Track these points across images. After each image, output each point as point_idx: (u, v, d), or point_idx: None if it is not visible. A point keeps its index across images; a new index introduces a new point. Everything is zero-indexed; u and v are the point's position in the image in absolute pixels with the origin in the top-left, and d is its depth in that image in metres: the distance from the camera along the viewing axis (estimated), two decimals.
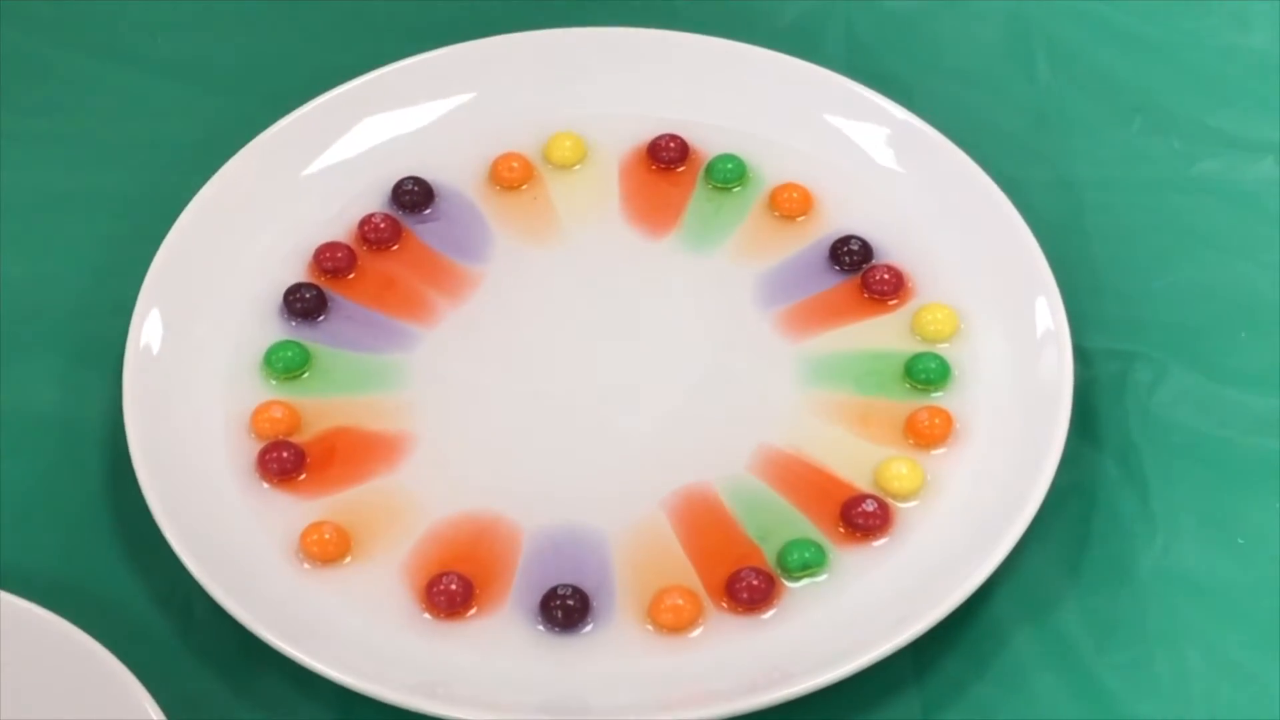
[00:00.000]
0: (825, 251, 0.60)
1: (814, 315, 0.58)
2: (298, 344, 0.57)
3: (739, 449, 0.55)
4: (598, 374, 0.57)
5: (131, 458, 0.52)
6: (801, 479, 0.54)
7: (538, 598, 0.51)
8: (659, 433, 0.56)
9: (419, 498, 0.54)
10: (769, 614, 0.51)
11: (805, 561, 0.52)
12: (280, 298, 0.58)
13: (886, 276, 0.58)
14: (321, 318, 0.58)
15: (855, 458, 0.54)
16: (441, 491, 0.54)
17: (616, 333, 0.58)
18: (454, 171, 0.62)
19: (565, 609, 0.51)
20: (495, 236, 0.61)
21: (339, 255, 0.59)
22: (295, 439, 0.55)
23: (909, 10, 0.69)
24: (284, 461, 0.54)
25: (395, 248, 0.60)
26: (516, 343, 0.58)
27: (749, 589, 0.51)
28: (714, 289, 0.59)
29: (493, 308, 0.59)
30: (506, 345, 0.58)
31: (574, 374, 0.57)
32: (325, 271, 0.59)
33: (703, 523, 0.53)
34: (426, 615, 0.51)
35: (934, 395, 0.56)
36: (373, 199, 0.61)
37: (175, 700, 0.47)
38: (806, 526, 0.53)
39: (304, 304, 0.58)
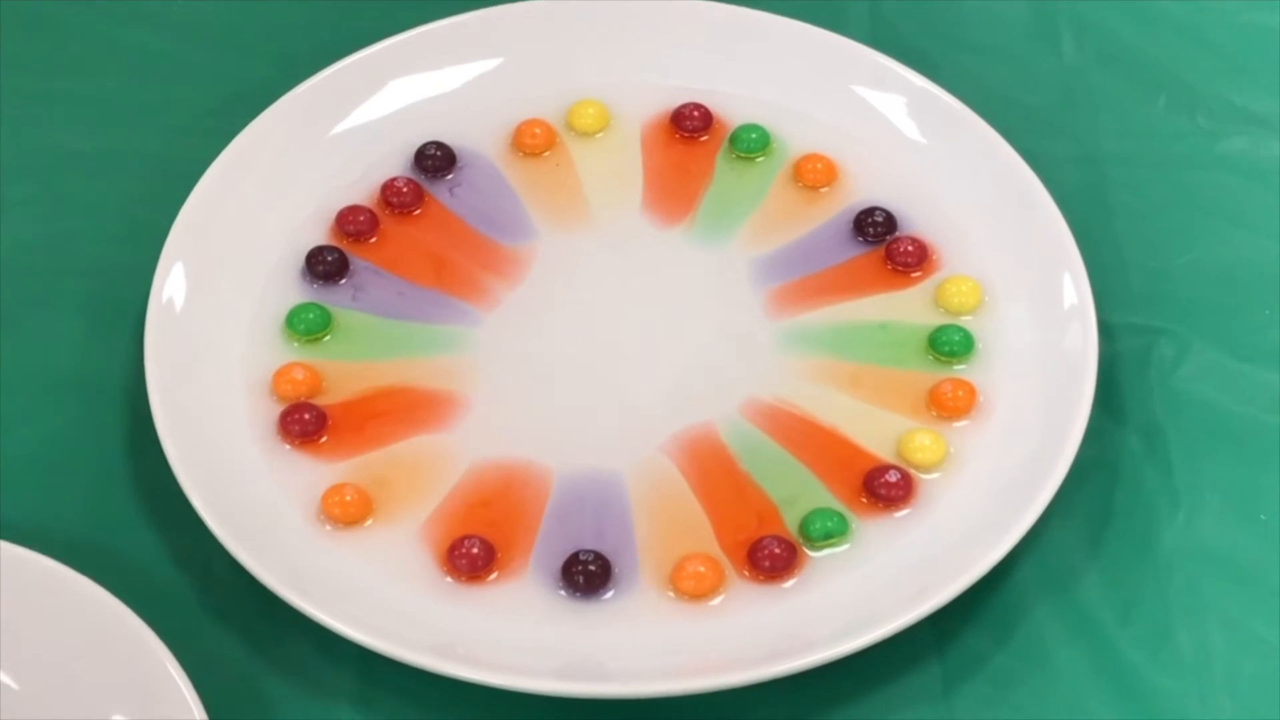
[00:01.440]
0: (849, 222, 0.59)
1: (837, 285, 0.58)
2: (319, 306, 0.57)
3: (740, 402, 0.55)
4: (617, 345, 0.57)
5: (153, 418, 0.52)
6: (814, 440, 0.54)
7: (559, 563, 0.51)
8: (673, 388, 0.56)
9: (441, 459, 0.54)
10: (790, 582, 0.51)
11: (828, 531, 0.52)
12: (302, 260, 0.58)
13: (910, 248, 0.58)
14: (343, 280, 0.58)
15: (878, 428, 0.54)
16: (466, 450, 0.54)
17: (637, 303, 0.58)
18: (477, 137, 0.62)
19: (587, 574, 0.51)
20: (517, 205, 0.60)
21: (361, 219, 0.59)
22: (317, 401, 0.55)
23: None
24: (305, 423, 0.54)
25: (417, 212, 0.60)
26: (536, 313, 0.58)
27: (771, 557, 0.51)
28: (733, 260, 0.59)
29: (515, 280, 0.58)
30: (527, 314, 0.58)
31: (594, 344, 0.57)
32: (347, 234, 0.59)
33: (716, 476, 0.53)
34: (448, 578, 0.51)
35: (957, 368, 0.56)
36: (395, 163, 0.61)
37: (196, 659, 0.47)
38: (820, 489, 0.53)
39: (326, 266, 0.58)
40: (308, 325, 0.56)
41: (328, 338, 0.56)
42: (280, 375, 0.55)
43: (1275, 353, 0.57)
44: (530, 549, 0.52)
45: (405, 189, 0.60)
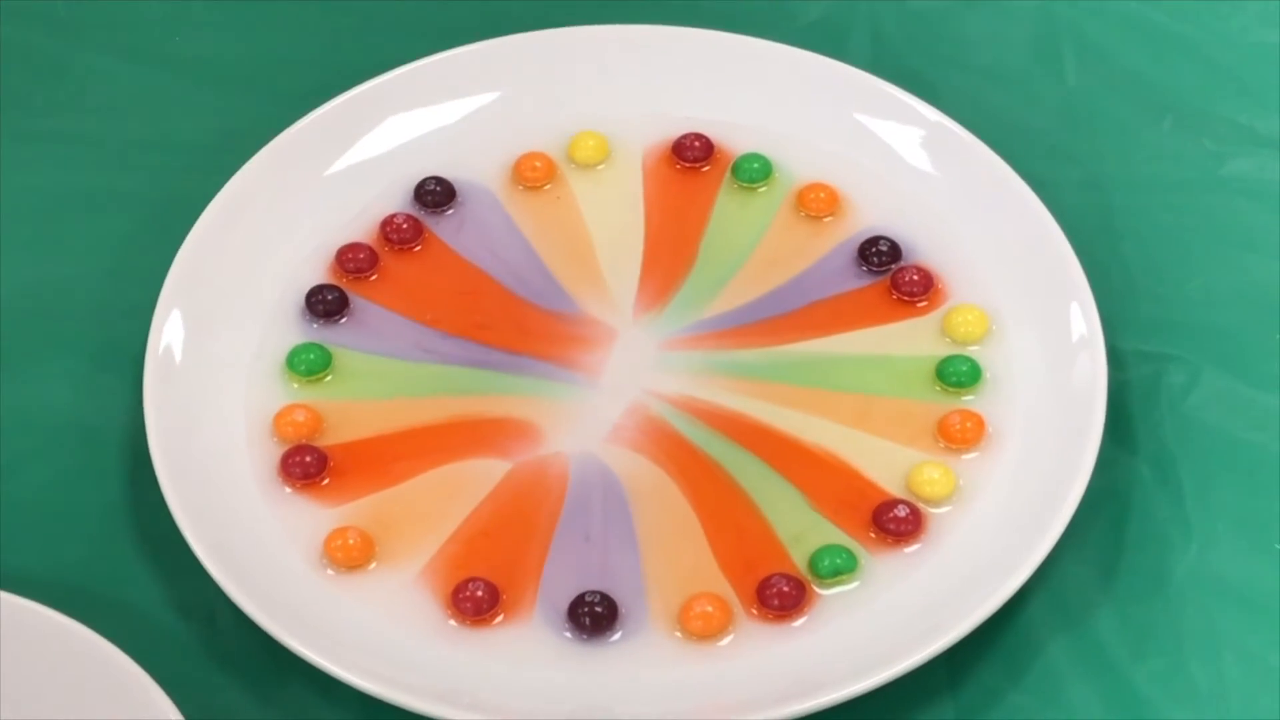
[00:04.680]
0: (854, 251, 0.59)
1: (842, 316, 0.58)
2: (320, 346, 0.56)
3: (745, 434, 0.55)
4: (616, 374, 0.57)
5: (153, 462, 0.51)
6: (821, 474, 0.54)
7: (565, 604, 0.50)
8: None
9: (444, 500, 0.53)
10: (800, 621, 0.50)
11: (837, 567, 0.51)
12: (302, 299, 0.57)
13: (916, 277, 0.58)
14: (344, 319, 0.57)
15: (886, 461, 0.54)
16: (467, 491, 0.53)
17: (640, 344, 0.58)
18: (477, 171, 0.61)
19: (593, 615, 0.50)
20: (518, 241, 0.60)
21: (361, 256, 0.59)
22: (318, 442, 0.54)
23: (935, 8, 0.68)
24: (307, 465, 0.53)
25: (417, 248, 0.60)
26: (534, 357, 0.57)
27: (780, 595, 0.50)
28: (744, 290, 0.59)
29: (506, 319, 0.58)
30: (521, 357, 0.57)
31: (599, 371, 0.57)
32: (347, 272, 0.58)
33: (723, 511, 0.53)
34: (452, 622, 0.50)
35: (965, 398, 0.55)
36: (395, 199, 0.60)
37: (199, 708, 0.47)
38: (828, 524, 0.52)
39: (326, 305, 0.57)
40: (308, 366, 0.56)
41: (328, 377, 0.56)
42: (281, 417, 0.54)
43: None
44: (536, 589, 0.51)
45: (405, 225, 0.59)
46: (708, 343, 0.57)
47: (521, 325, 0.58)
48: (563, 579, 0.51)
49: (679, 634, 0.50)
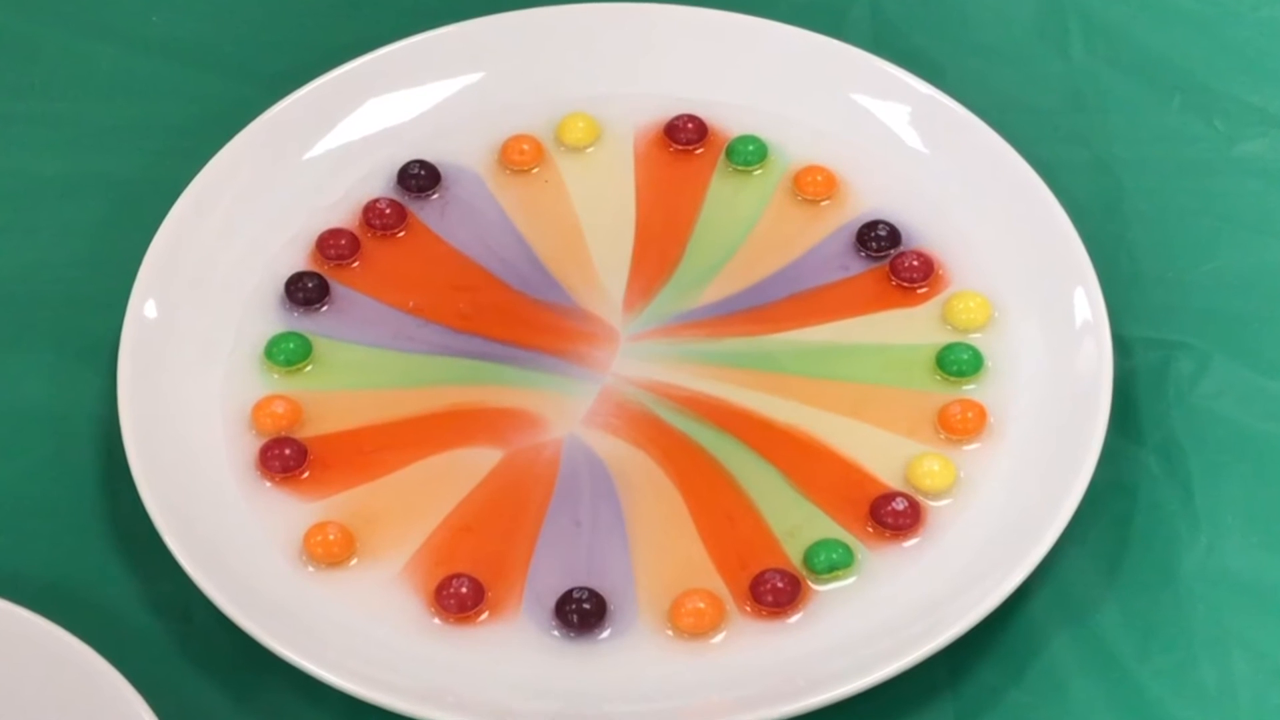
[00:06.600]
0: (851, 236, 0.58)
1: (839, 302, 0.56)
2: (299, 335, 0.55)
3: (736, 421, 0.54)
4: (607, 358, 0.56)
5: (127, 455, 0.51)
6: (816, 465, 0.52)
7: (552, 601, 0.49)
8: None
9: (427, 493, 0.52)
10: (795, 618, 0.49)
11: (833, 562, 0.50)
12: (281, 286, 0.56)
13: (916, 263, 0.56)
14: (324, 307, 0.56)
15: (885, 452, 0.53)
16: (451, 484, 0.52)
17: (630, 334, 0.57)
18: (462, 154, 0.60)
19: (581, 612, 0.49)
20: (505, 226, 0.58)
21: (342, 242, 0.57)
22: (298, 434, 0.53)
23: None
24: (286, 458, 0.52)
25: (400, 234, 0.58)
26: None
27: (774, 591, 0.49)
28: (738, 277, 0.57)
29: (493, 307, 0.57)
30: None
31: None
32: (328, 259, 0.57)
33: (715, 502, 0.52)
34: (436, 619, 0.49)
35: (966, 388, 0.54)
36: (377, 183, 0.59)
37: (174, 710, 0.46)
38: (824, 517, 0.51)
39: (306, 293, 0.56)
40: (288, 356, 0.55)
41: (308, 367, 0.55)
42: (259, 408, 0.53)
43: None
44: (522, 585, 0.50)
45: (388, 210, 0.58)
46: (700, 331, 0.56)
47: (509, 314, 0.57)
48: (550, 574, 0.50)
49: (670, 631, 0.49)
